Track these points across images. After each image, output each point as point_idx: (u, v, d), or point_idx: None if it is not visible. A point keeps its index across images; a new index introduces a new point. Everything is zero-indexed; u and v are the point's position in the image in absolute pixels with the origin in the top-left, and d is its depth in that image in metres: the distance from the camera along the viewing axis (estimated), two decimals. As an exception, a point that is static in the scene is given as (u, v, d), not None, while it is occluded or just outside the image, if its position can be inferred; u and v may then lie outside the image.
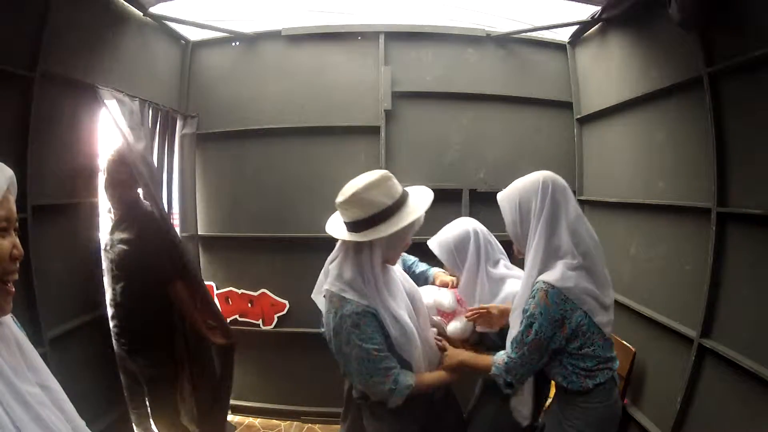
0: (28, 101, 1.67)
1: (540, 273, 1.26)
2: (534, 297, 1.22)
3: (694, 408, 1.80)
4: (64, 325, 1.83)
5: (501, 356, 1.34)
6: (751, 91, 1.59)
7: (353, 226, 1.30)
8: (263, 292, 2.84)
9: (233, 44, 2.89)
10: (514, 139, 2.85)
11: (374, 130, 2.77)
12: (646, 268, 2.21)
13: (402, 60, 2.80)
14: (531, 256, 1.29)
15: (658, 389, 2.07)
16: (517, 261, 1.56)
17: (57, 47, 1.76)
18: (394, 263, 1.47)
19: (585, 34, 2.74)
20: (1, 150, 1.59)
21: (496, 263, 1.63)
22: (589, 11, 2.52)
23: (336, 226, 1.37)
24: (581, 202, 2.82)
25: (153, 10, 2.37)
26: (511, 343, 1.29)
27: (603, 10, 2.39)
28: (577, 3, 2.41)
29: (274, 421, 2.84)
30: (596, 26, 2.59)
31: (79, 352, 1.90)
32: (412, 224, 1.31)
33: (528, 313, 1.23)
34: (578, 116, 2.83)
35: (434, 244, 1.66)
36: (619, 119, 2.46)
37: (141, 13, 2.33)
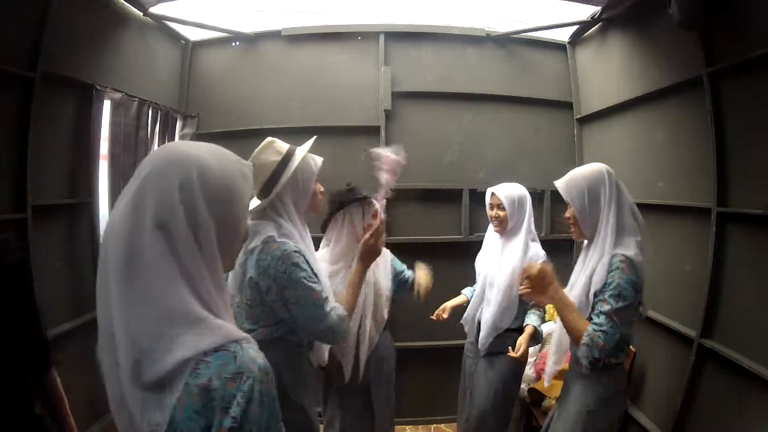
0: (28, 101, 1.67)
1: (613, 248, 1.39)
2: (617, 269, 1.34)
3: (694, 408, 1.80)
4: (64, 325, 1.83)
5: (595, 331, 1.31)
6: (751, 91, 1.59)
7: (263, 194, 1.39)
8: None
9: (233, 44, 2.89)
10: (514, 139, 2.85)
11: (374, 130, 2.77)
12: (646, 268, 2.20)
13: (402, 60, 2.80)
14: (603, 235, 1.41)
15: (658, 389, 2.07)
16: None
17: (57, 47, 1.76)
18: (317, 211, 1.57)
19: (585, 34, 2.74)
20: (1, 150, 1.60)
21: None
22: (589, 11, 2.52)
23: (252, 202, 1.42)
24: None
25: (153, 10, 2.37)
26: (602, 314, 1.32)
27: (603, 10, 2.39)
28: (577, 3, 2.41)
29: (274, 421, 2.83)
30: (596, 26, 2.59)
31: (78, 351, 1.90)
32: (309, 166, 1.44)
33: (613, 285, 1.33)
34: (578, 116, 2.83)
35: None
36: (619, 119, 2.46)
37: (141, 13, 2.33)
